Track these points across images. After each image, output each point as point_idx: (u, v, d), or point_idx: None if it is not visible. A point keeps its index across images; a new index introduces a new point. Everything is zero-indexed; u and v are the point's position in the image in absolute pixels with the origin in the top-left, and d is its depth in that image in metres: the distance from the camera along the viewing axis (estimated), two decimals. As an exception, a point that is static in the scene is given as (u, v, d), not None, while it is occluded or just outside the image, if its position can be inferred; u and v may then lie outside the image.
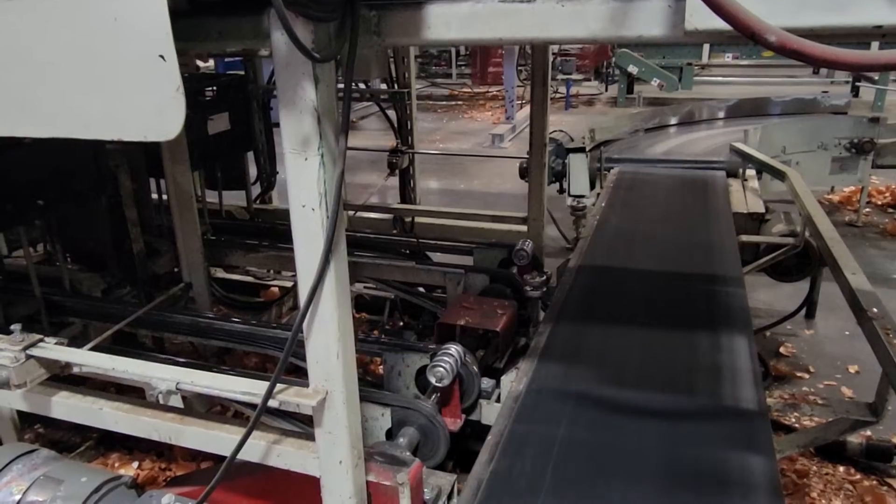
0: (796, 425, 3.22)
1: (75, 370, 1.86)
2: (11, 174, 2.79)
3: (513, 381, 2.27)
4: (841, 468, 3.00)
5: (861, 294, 2.54)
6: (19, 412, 2.36)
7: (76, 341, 2.51)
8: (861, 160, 5.73)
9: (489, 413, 2.39)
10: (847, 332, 4.13)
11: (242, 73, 4.64)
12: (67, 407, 1.89)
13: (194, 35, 1.40)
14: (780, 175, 4.27)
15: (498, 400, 2.43)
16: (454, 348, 2.26)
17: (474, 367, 2.33)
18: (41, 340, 1.83)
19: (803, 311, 4.14)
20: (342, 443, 1.57)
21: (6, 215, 2.81)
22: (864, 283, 2.63)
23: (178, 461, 3.07)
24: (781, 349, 4.07)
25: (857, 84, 10.14)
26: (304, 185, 1.35)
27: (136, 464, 3.08)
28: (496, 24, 1.29)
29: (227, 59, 7.03)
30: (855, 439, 3.00)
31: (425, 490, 1.82)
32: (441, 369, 2.17)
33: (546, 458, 1.82)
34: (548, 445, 1.87)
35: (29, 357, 1.79)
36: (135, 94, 1.18)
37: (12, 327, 1.82)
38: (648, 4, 1.19)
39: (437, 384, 2.18)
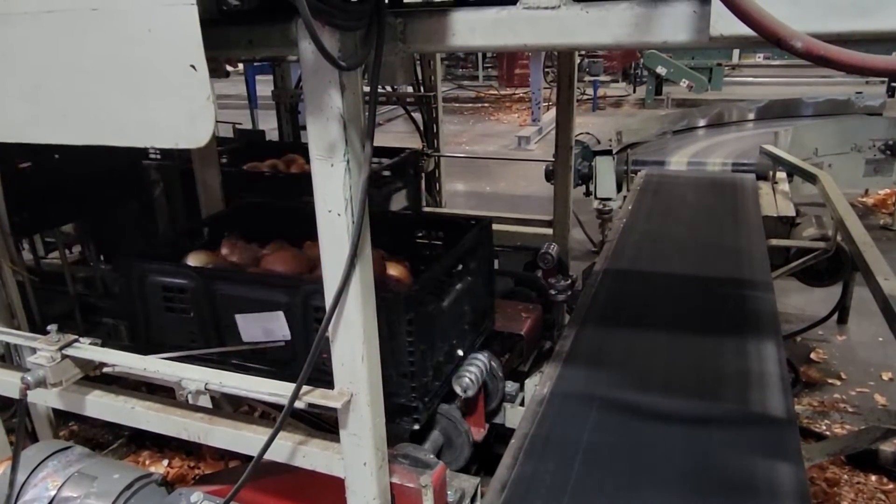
0: (827, 433, 3.16)
1: (108, 370, 1.91)
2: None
3: (537, 385, 2.26)
4: (873, 477, 2.94)
5: (894, 300, 2.49)
6: (55, 410, 2.43)
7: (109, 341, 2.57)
8: (896, 162, 5.62)
9: (513, 416, 2.39)
10: (881, 339, 4.04)
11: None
12: (101, 405, 1.93)
13: (224, 43, 1.42)
14: (811, 178, 4.21)
15: (522, 403, 2.43)
16: (481, 358, 2.23)
17: (499, 372, 2.33)
18: (76, 340, 1.88)
19: (835, 317, 4.07)
20: (366, 444, 1.59)
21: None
22: (898, 288, 2.58)
23: (207, 460, 3.12)
24: (812, 355, 4.00)
25: (893, 85, 9.88)
26: (331, 190, 1.37)
27: (166, 462, 3.14)
28: (521, 30, 1.29)
29: (256, 64, 7.12)
30: (888, 448, 2.94)
31: (449, 492, 1.83)
32: (467, 380, 2.14)
33: (570, 462, 1.82)
34: (572, 449, 1.87)
35: (64, 357, 1.83)
36: (167, 102, 1.21)
37: (48, 328, 1.87)
38: (673, 10, 1.18)
39: (462, 395, 2.15)
